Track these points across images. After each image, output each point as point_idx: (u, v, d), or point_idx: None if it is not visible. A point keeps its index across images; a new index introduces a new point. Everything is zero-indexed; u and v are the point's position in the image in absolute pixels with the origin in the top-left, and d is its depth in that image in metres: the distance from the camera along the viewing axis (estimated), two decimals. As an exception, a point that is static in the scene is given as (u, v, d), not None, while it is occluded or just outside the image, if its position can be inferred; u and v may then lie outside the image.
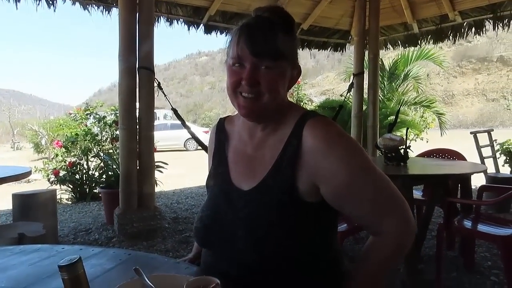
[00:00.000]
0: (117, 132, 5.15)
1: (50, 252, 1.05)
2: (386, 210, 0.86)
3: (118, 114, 5.20)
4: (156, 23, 4.67)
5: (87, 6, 4.34)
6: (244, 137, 0.98)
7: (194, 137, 4.08)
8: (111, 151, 5.39)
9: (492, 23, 4.99)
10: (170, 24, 5.06)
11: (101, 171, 5.26)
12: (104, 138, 5.63)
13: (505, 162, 5.34)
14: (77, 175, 5.45)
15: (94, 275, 0.87)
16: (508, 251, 2.02)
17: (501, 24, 4.94)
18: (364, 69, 5.21)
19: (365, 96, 5.26)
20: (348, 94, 5.22)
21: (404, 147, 2.75)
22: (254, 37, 0.84)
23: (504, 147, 5.37)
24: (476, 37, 5.72)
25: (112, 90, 76.52)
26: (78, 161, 5.50)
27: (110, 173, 4.74)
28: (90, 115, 5.86)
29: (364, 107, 5.30)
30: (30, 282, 0.87)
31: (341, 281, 0.93)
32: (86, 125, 5.82)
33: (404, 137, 2.82)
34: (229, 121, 1.07)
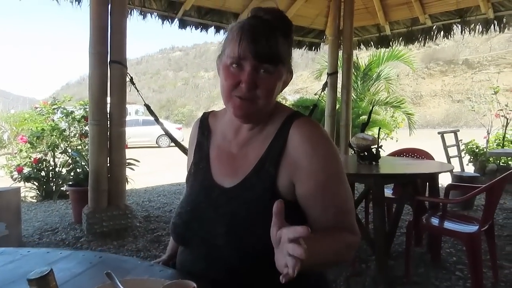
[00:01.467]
0: (86, 128, 4.99)
1: (14, 255, 0.99)
2: (345, 220, 0.88)
3: (87, 109, 5.05)
4: (129, 16, 4.54)
5: (56, -4, 4.14)
6: (228, 135, 0.98)
7: (167, 134, 4.02)
8: (79, 147, 5.20)
9: (460, 27, 5.19)
10: (144, 18, 4.94)
11: (69, 168, 5.06)
12: (72, 133, 5.42)
13: (469, 161, 5.60)
14: (42, 172, 5.22)
15: (63, 280, 0.83)
16: (473, 247, 2.11)
17: (467, 28, 5.14)
18: (338, 69, 5.30)
19: (338, 95, 5.34)
20: (322, 93, 5.28)
21: (376, 146, 2.82)
22: (257, 40, 0.83)
23: (468, 147, 5.63)
24: (444, 40, 5.94)
25: (81, 84, 73.92)
26: (44, 157, 5.26)
27: (78, 170, 4.57)
28: (57, 110, 5.62)
29: (337, 106, 5.39)
30: (-8, 288, 0.81)
31: (318, 279, 0.94)
32: (53, 120, 5.58)
33: (376, 136, 2.89)
34: (213, 117, 1.06)
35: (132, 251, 2.93)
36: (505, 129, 5.67)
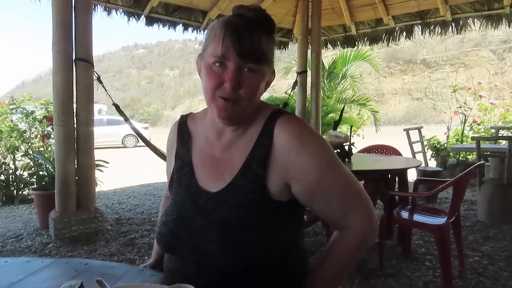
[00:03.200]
0: (49, 129, 4.77)
1: (-9, 266, 0.93)
2: (352, 205, 0.88)
3: (49, 109, 4.82)
4: (93, 12, 4.37)
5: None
6: (211, 138, 0.95)
7: (137, 134, 3.91)
8: (41, 149, 4.95)
9: (420, 28, 5.43)
10: (108, 14, 4.78)
11: (31, 171, 4.81)
12: (34, 135, 5.15)
13: (432, 156, 5.87)
14: (2, 175, 4.92)
15: (50, 290, 0.79)
16: (443, 238, 2.21)
17: (427, 30, 5.39)
18: (307, 68, 5.37)
19: (308, 93, 5.43)
20: (292, 91, 5.35)
21: (348, 144, 2.89)
22: (241, 38, 0.81)
23: (430, 142, 5.90)
24: (405, 40, 6.18)
25: (37, 82, 70.19)
26: (3, 160, 4.97)
27: (42, 173, 4.35)
28: (15, 110, 5.32)
29: (307, 104, 5.47)
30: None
31: (299, 263, 0.95)
32: (12, 121, 5.28)
33: (348, 133, 2.97)
34: (192, 120, 1.03)
35: (105, 255, 2.83)
36: (464, 125, 6.00)
